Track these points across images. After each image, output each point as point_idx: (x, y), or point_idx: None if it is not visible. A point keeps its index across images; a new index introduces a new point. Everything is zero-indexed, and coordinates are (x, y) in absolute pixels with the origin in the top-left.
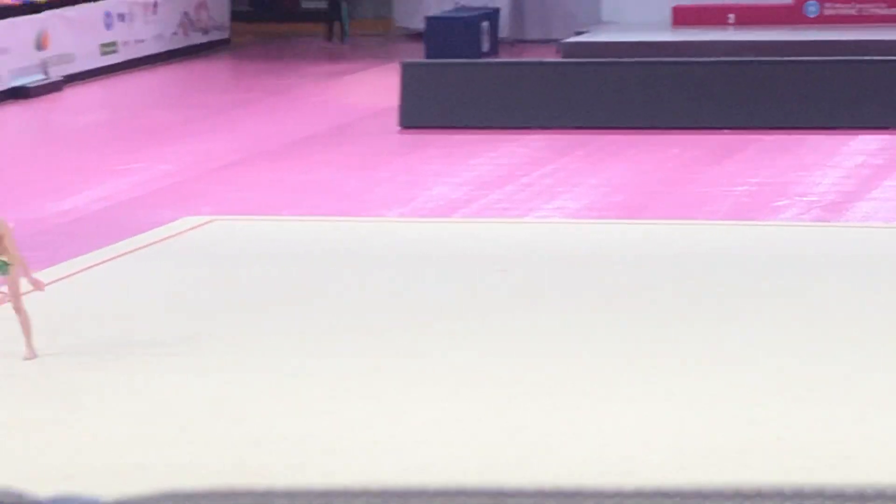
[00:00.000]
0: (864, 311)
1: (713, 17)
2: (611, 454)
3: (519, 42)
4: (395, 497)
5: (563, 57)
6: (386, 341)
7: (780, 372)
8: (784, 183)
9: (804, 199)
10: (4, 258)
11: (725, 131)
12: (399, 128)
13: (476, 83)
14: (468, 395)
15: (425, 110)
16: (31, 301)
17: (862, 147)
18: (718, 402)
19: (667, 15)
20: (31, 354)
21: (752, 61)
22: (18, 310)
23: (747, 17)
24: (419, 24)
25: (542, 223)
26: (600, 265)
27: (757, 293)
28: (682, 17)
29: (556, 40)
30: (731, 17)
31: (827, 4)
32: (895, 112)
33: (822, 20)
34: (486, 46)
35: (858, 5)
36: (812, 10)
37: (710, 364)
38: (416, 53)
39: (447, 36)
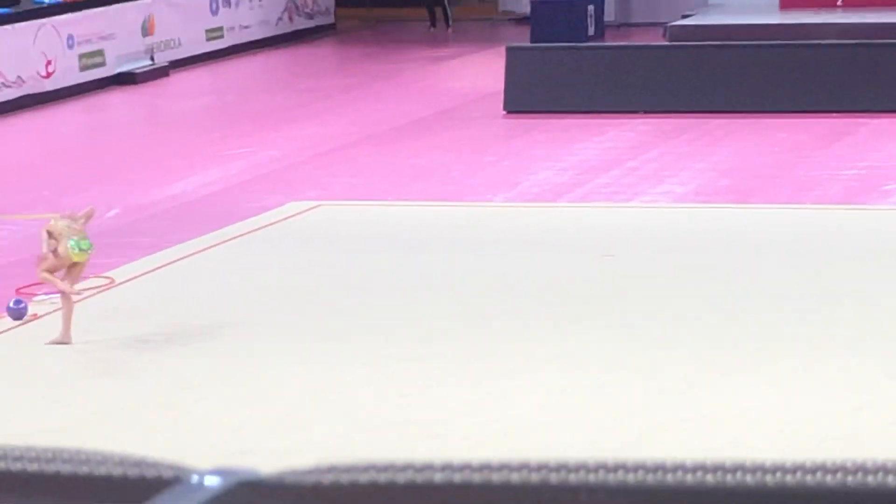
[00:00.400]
0: None
1: None
2: (717, 440)
3: (625, 25)
4: (554, 471)
5: (670, 40)
6: (490, 326)
7: (890, 357)
8: (893, 166)
9: None
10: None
11: (834, 115)
12: (504, 112)
13: (581, 67)
14: (573, 379)
15: (530, 94)
16: (139, 285)
17: None
18: (827, 388)
19: None
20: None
21: (860, 44)
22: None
23: None
24: (524, 9)
25: (649, 208)
26: (707, 250)
27: (866, 277)
28: None
29: (662, 24)
30: None
31: None
32: None
33: None
34: (591, 30)
35: None
36: None
37: (817, 349)
38: (521, 38)
39: (552, 20)
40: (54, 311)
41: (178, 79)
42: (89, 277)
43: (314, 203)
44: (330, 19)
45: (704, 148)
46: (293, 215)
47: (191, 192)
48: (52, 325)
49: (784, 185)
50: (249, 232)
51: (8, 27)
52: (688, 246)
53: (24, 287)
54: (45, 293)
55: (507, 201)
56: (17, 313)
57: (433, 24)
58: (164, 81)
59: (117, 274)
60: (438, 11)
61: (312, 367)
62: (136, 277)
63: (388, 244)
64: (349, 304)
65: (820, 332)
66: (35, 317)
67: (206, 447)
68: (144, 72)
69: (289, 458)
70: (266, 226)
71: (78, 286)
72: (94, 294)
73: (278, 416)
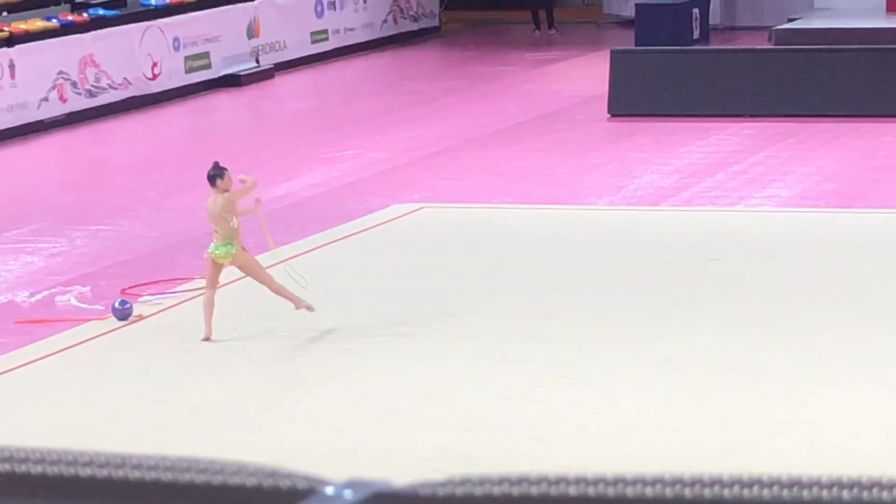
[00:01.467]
0: None
1: None
2: (822, 445)
3: (730, 29)
4: (689, 485)
5: (775, 44)
6: (594, 328)
7: None
8: None
9: None
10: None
11: None
12: (608, 115)
13: (686, 70)
14: (676, 382)
15: (634, 98)
16: (244, 285)
17: None
18: None
19: (881, 1)
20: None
21: None
22: (273, 288)
23: None
24: (629, 12)
25: (754, 212)
26: (812, 254)
27: None
28: None
29: (767, 27)
30: None
31: None
32: None
33: None
34: (696, 33)
35: None
36: None
37: None
38: (625, 41)
39: (657, 23)
40: (158, 311)
41: (283, 81)
42: (194, 278)
43: (418, 205)
44: (434, 22)
45: (810, 152)
46: (397, 217)
47: (295, 194)
48: (158, 325)
49: (890, 190)
50: (354, 233)
51: (115, 29)
52: (792, 250)
53: (129, 287)
54: (150, 294)
55: (611, 204)
56: (122, 313)
57: (537, 27)
58: (268, 83)
59: (223, 275)
60: (542, 14)
61: (415, 368)
62: (241, 278)
63: (490, 246)
64: (452, 305)
65: None
66: (140, 317)
67: (310, 447)
68: (249, 74)
69: (393, 458)
70: (370, 227)
71: (186, 286)
72: (199, 295)
73: (382, 416)
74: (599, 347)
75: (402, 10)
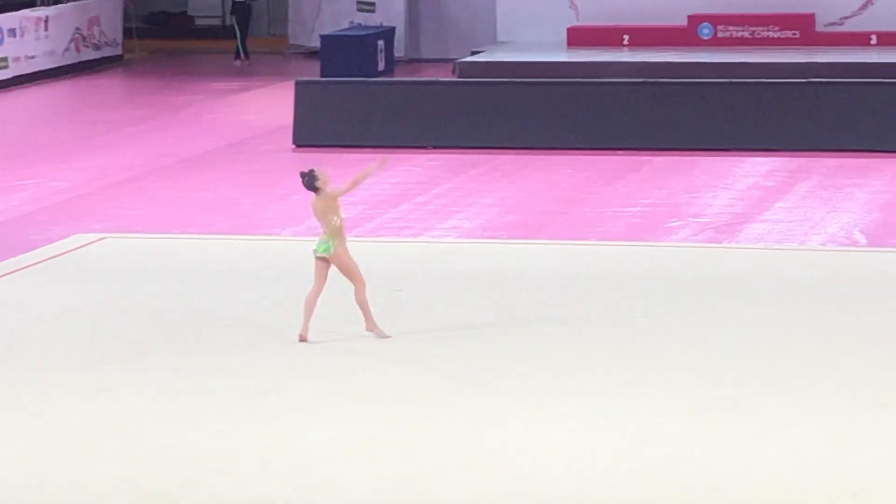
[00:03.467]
0: (754, 330)
1: (608, 38)
2: (504, 475)
3: (415, 61)
4: None
5: (459, 76)
6: (280, 358)
7: (672, 393)
8: (677, 204)
9: (697, 220)
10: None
11: (619, 152)
12: (293, 146)
13: (371, 102)
14: (361, 415)
15: (320, 129)
16: None
17: (754, 169)
18: (612, 424)
19: (562, 36)
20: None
21: (645, 82)
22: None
23: (642, 39)
24: (314, 42)
25: (437, 243)
26: (494, 285)
27: (649, 314)
28: (577, 37)
29: (452, 59)
30: (626, 38)
31: (720, 27)
32: (787, 134)
33: (716, 42)
34: (382, 65)
35: (751, 28)
36: (706, 32)
37: (603, 385)
38: (312, 72)
39: (343, 54)
40: None
41: None
42: None
43: (99, 235)
44: (118, 51)
45: (492, 184)
46: (77, 247)
47: None
48: None
49: (569, 222)
50: (32, 264)
51: None
52: (475, 281)
53: None
54: None
55: (296, 235)
56: None
57: (238, 56)
58: None
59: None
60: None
61: (97, 400)
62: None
63: (172, 277)
64: (134, 337)
65: (604, 369)
66: None
67: None
68: None
69: (74, 490)
70: (49, 258)
71: None
72: None
73: (66, 448)
74: (284, 380)
75: (84, 39)
